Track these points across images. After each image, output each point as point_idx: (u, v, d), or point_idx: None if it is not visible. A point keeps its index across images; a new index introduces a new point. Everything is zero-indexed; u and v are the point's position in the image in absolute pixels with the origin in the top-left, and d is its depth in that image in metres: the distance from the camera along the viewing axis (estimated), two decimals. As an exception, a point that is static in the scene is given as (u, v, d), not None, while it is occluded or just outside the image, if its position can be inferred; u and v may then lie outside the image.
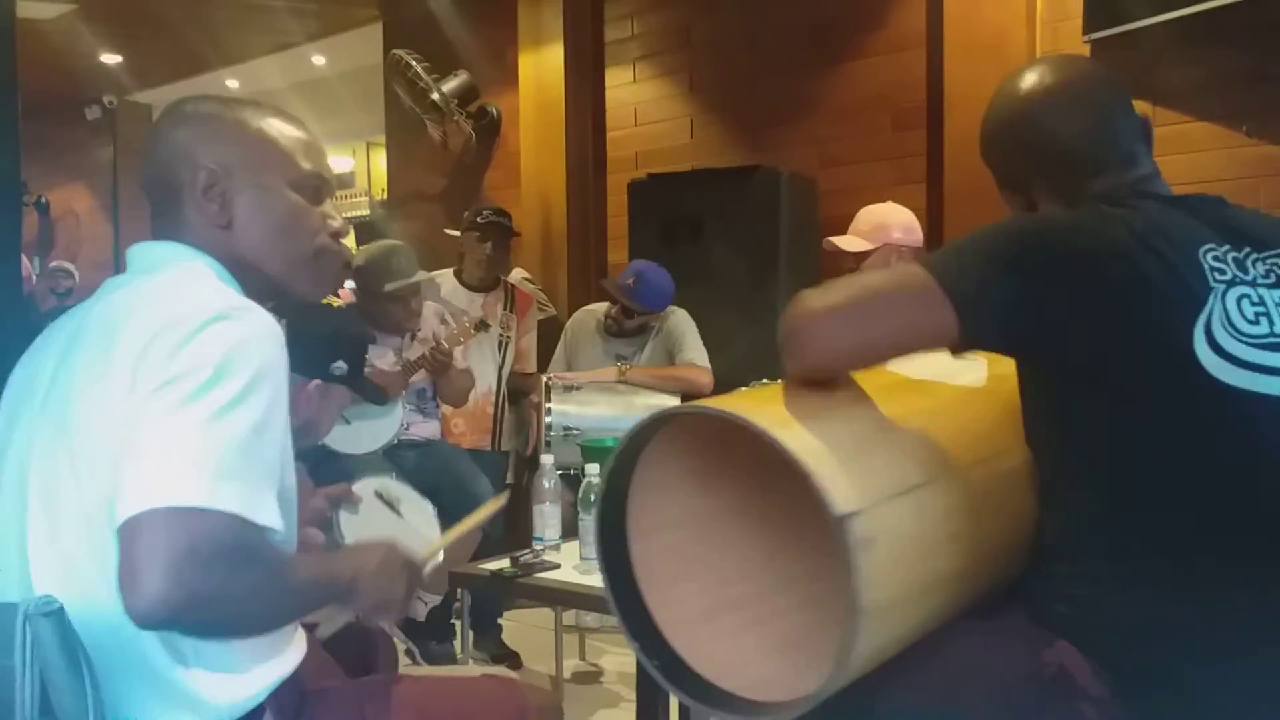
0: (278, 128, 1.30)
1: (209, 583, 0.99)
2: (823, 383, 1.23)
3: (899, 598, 1.13)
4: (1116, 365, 1.15)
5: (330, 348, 1.73)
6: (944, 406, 1.34)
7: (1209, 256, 1.18)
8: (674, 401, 3.04)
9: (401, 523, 1.68)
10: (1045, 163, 1.34)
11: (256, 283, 1.27)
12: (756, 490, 1.36)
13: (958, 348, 1.22)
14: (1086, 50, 3.40)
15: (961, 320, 1.15)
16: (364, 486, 1.65)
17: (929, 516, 1.17)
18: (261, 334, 1.12)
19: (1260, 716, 1.12)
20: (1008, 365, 1.31)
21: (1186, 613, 1.13)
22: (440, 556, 1.49)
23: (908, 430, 1.22)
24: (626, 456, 1.25)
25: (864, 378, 1.27)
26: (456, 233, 3.95)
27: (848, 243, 2.93)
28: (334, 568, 1.22)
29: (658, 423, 1.22)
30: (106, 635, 1.07)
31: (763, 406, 1.15)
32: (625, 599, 1.27)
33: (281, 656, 1.20)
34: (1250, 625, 1.12)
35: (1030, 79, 1.36)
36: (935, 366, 1.36)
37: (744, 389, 2.09)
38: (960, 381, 1.38)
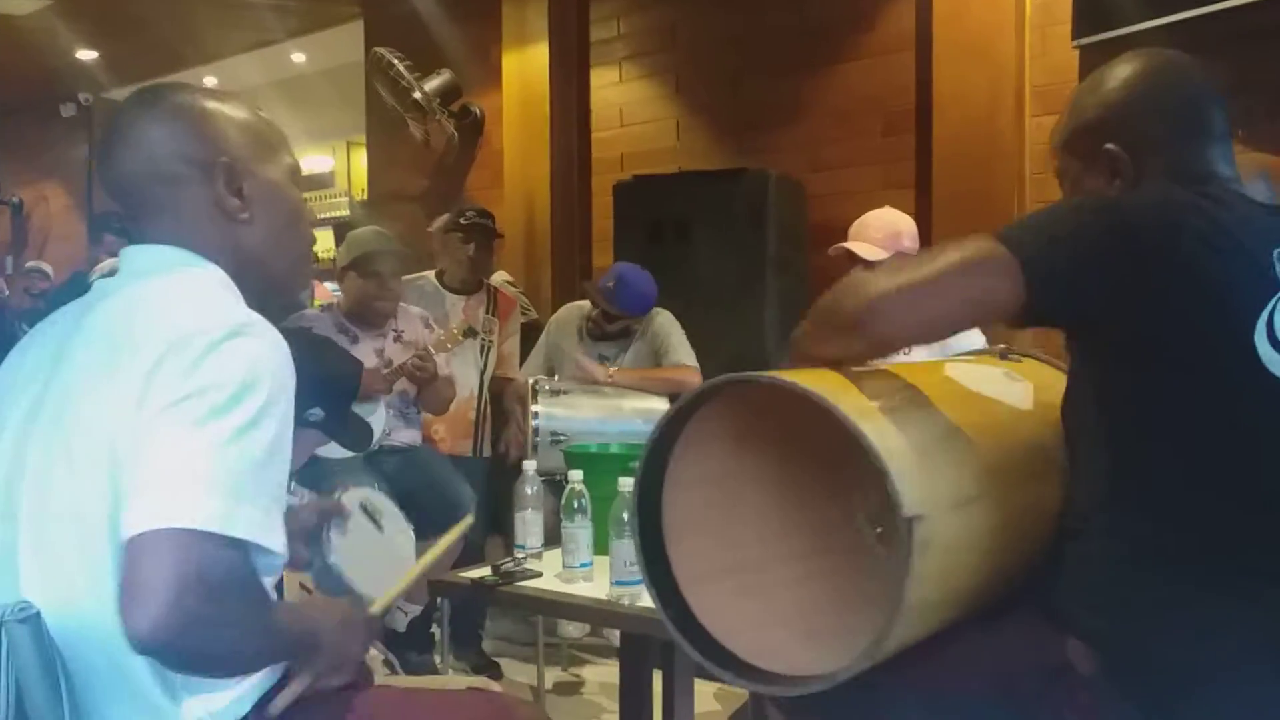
0: (265, 120, 1.29)
1: (209, 611, 0.98)
2: (880, 364, 1.27)
3: (932, 602, 1.16)
4: (1174, 348, 1.16)
5: (310, 391, 1.67)
6: (997, 424, 1.36)
7: None
8: (663, 403, 3.00)
9: (382, 538, 1.67)
10: (1177, 122, 1.32)
11: (256, 285, 1.24)
12: (779, 460, 1.40)
13: (1023, 321, 1.22)
14: (1075, 55, 3.40)
15: (1031, 291, 1.16)
16: (350, 498, 1.62)
17: (974, 531, 1.20)
18: (276, 351, 1.11)
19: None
20: (1051, 393, 1.35)
21: (1203, 605, 1.14)
22: (395, 595, 1.48)
23: (967, 442, 1.25)
24: (686, 409, 1.27)
25: (925, 380, 1.30)
26: (441, 222, 3.87)
27: (863, 250, 2.86)
28: (303, 619, 1.22)
29: (725, 385, 1.24)
30: (90, 645, 1.05)
31: (841, 392, 1.17)
32: (650, 549, 1.31)
33: (266, 672, 1.17)
34: (1259, 627, 1.13)
35: (1139, 57, 1.37)
36: (987, 383, 1.41)
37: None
38: (1010, 401, 1.41)
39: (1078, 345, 1.29)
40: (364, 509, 1.64)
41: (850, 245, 2.89)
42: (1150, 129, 1.32)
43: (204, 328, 1.06)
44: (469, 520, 1.85)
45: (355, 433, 3.04)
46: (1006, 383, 1.42)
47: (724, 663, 1.26)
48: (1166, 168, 1.30)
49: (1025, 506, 1.30)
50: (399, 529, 1.71)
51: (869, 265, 2.85)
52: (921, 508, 1.09)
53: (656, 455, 1.30)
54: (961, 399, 1.35)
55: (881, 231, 2.90)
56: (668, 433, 1.29)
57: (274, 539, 1.05)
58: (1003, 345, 1.65)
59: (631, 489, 1.32)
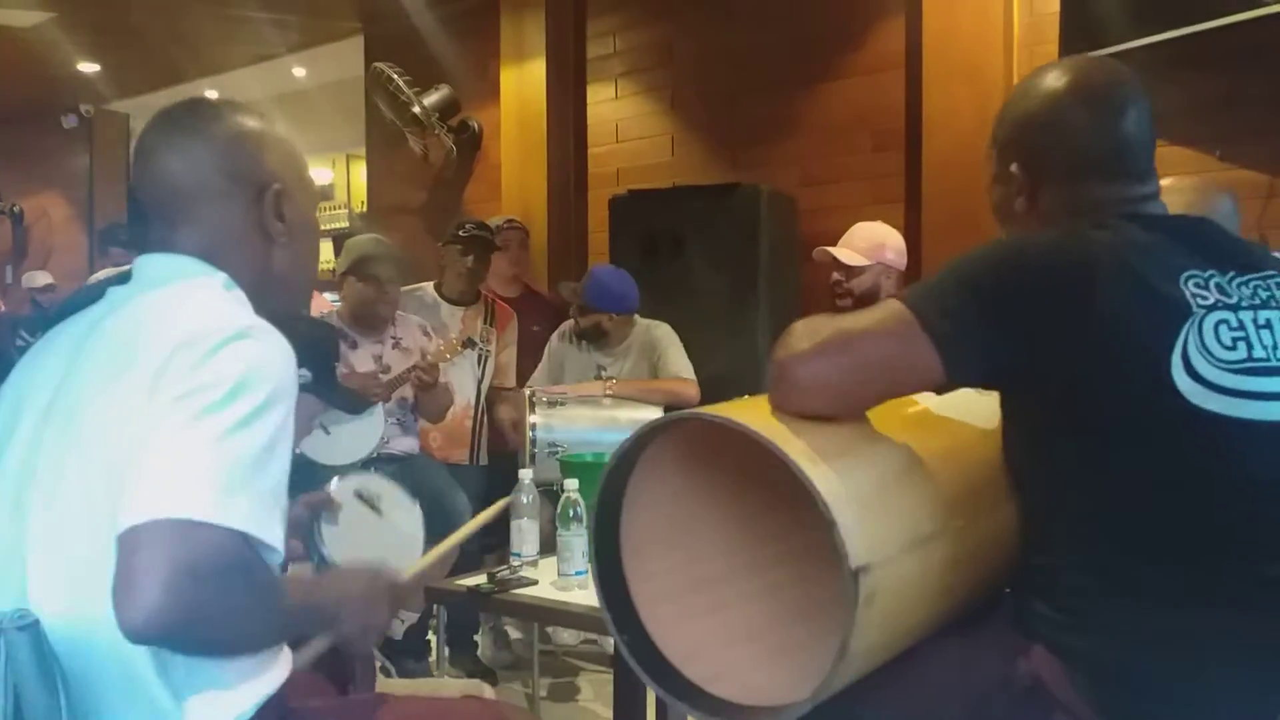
0: (296, 144, 1.33)
1: (206, 599, 0.97)
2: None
3: (878, 645, 1.14)
4: (1096, 394, 1.15)
5: (295, 352, 1.70)
6: (961, 447, 1.33)
7: (1190, 283, 1.18)
8: (659, 413, 3.03)
9: (382, 522, 1.65)
10: (1074, 158, 1.29)
11: (272, 301, 1.26)
12: (738, 471, 1.37)
13: (943, 388, 1.22)
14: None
15: (944, 360, 1.15)
16: (343, 489, 1.62)
17: (931, 569, 1.18)
18: (279, 355, 1.12)
19: None
20: None
21: (1163, 623, 1.14)
22: (426, 565, 1.48)
23: (926, 475, 1.22)
24: (644, 436, 1.25)
25: (887, 406, 1.25)
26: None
27: (845, 255, 2.94)
28: (320, 594, 1.21)
29: (681, 420, 1.23)
30: (97, 647, 1.05)
31: (792, 434, 1.13)
32: (608, 573, 1.29)
33: (268, 674, 1.18)
34: (1227, 640, 1.14)
35: (1067, 73, 1.32)
36: (954, 402, 1.35)
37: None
38: (976, 418, 1.37)
39: (1002, 399, 1.28)
40: (359, 496, 1.63)
41: (834, 250, 2.95)
42: (1051, 159, 1.30)
43: (210, 330, 1.08)
44: (503, 504, 1.84)
45: (346, 394, 3.07)
46: (973, 398, 1.36)
47: (678, 690, 1.24)
48: (1068, 198, 1.29)
49: (989, 534, 1.28)
50: (402, 508, 1.70)
51: (849, 270, 2.92)
52: (870, 555, 1.06)
53: (614, 481, 1.28)
54: (926, 424, 1.32)
55: (867, 241, 2.95)
56: (625, 460, 1.27)
57: (270, 534, 1.04)
58: None
59: (589, 512, 1.30)
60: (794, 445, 1.10)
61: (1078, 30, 3.34)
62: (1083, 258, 1.17)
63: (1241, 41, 3.03)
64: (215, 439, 1.02)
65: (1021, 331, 1.15)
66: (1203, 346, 1.15)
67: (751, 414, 1.17)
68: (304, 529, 1.54)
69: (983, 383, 1.25)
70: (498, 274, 4.03)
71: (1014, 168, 1.33)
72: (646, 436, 1.25)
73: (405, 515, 1.70)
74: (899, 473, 1.20)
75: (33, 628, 1.01)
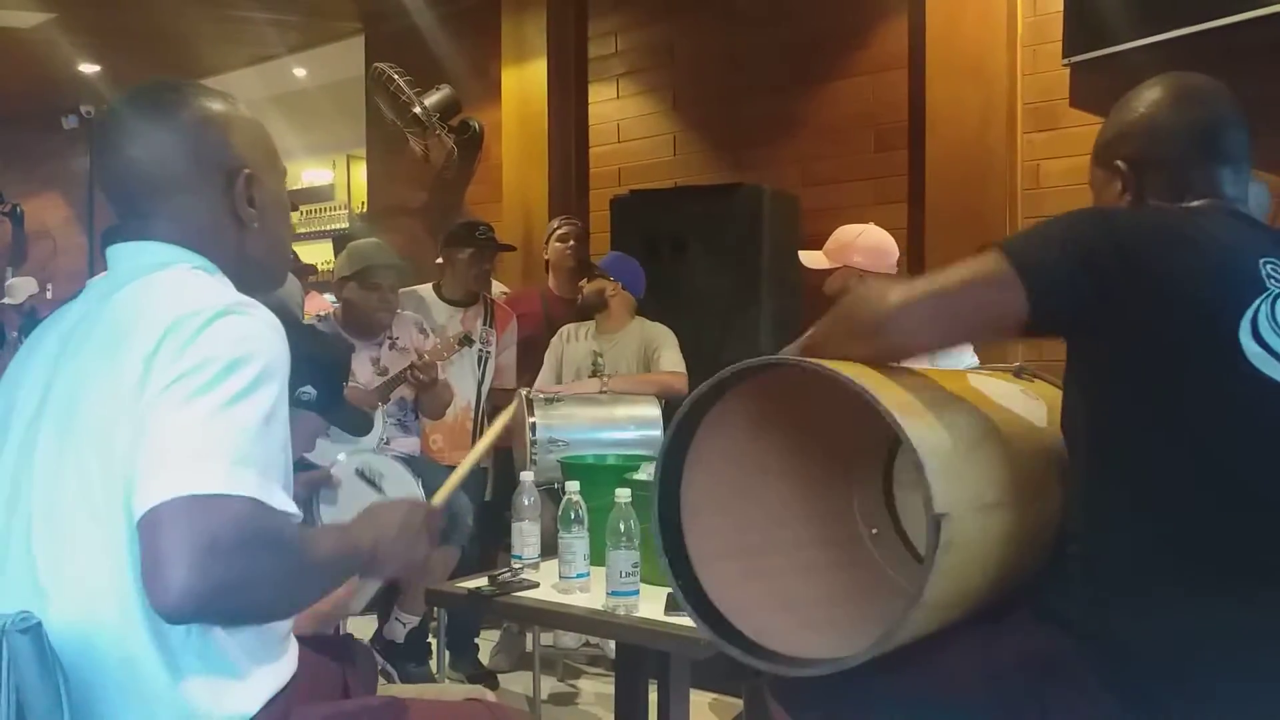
0: (263, 125, 1.32)
1: (234, 570, 0.97)
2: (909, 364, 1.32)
3: (944, 602, 1.19)
4: (1164, 346, 1.20)
5: (300, 371, 1.70)
6: (1018, 434, 1.40)
7: (1268, 266, 1.24)
8: (654, 408, 3.06)
9: (385, 500, 1.67)
10: (1195, 141, 1.39)
11: (249, 283, 1.26)
12: (792, 449, 1.44)
13: (1028, 329, 1.27)
14: (1066, 73, 3.45)
15: (1031, 299, 1.21)
16: (345, 466, 1.64)
17: (990, 537, 1.24)
18: (268, 328, 1.12)
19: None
20: (1059, 414, 1.38)
21: (1190, 602, 1.16)
22: (452, 487, 1.50)
23: (994, 447, 1.30)
24: (725, 382, 1.30)
25: (956, 386, 1.35)
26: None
27: (809, 259, 3.01)
28: (354, 538, 1.21)
29: (756, 369, 1.28)
30: (101, 639, 1.05)
31: (882, 386, 1.20)
32: (668, 523, 1.35)
33: (276, 664, 1.18)
34: (1263, 619, 1.15)
35: (1172, 82, 1.44)
36: (1008, 396, 1.45)
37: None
38: (1029, 415, 1.45)
39: (1073, 352, 1.32)
40: (361, 474, 1.64)
41: (801, 254, 3.03)
42: (1154, 150, 1.40)
43: (198, 308, 1.08)
44: (516, 403, 1.84)
45: (352, 415, 3.07)
46: (1024, 399, 1.47)
47: (730, 639, 1.30)
48: (1168, 186, 1.37)
49: (1036, 518, 1.33)
50: (405, 486, 1.71)
51: (816, 274, 2.98)
52: (950, 507, 1.13)
53: (683, 432, 1.34)
54: (992, 407, 1.39)
55: (834, 243, 3.00)
56: (695, 409, 1.33)
57: (276, 499, 1.05)
58: (1018, 364, 1.69)
59: (652, 473, 1.36)
60: (887, 397, 1.17)
61: (1080, 30, 3.34)
62: (1171, 224, 1.27)
63: (1244, 41, 3.02)
64: (214, 412, 1.02)
65: (1102, 285, 1.21)
66: (1273, 319, 1.20)
67: (841, 367, 1.21)
68: (302, 508, 1.54)
69: (1063, 329, 1.30)
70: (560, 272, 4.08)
71: (1120, 163, 1.43)
72: (728, 382, 1.29)
73: (408, 493, 1.70)
74: (973, 440, 1.28)
75: (35, 630, 1.01)
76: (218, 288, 1.18)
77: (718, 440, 1.36)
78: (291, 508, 1.08)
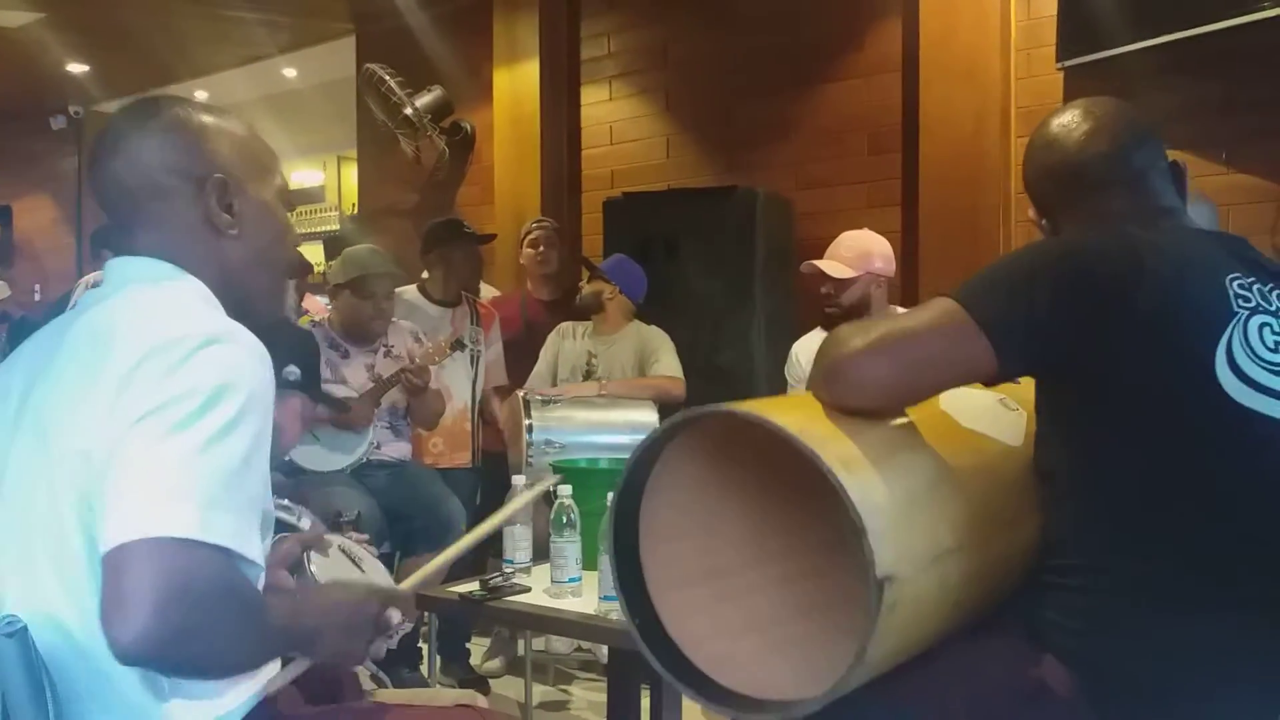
0: (259, 138, 1.30)
1: (195, 620, 0.96)
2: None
3: (891, 653, 1.16)
4: (1139, 381, 1.18)
5: (280, 355, 1.68)
6: (985, 466, 1.35)
7: (1234, 284, 1.21)
8: (649, 412, 3.05)
9: (364, 578, 1.66)
10: (1062, 181, 1.39)
11: (236, 299, 1.24)
12: (760, 460, 1.39)
13: (996, 379, 1.25)
14: (1060, 77, 3.45)
15: (997, 352, 1.19)
16: (329, 539, 1.64)
17: (947, 584, 1.20)
18: (254, 358, 1.10)
19: None
20: None
21: (1178, 629, 1.15)
22: (422, 578, 1.47)
23: (951, 490, 1.24)
24: (675, 427, 1.26)
25: (919, 415, 1.28)
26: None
27: (832, 268, 2.92)
28: (302, 616, 1.17)
29: (713, 415, 1.24)
30: (72, 655, 1.04)
31: (830, 439, 1.14)
32: (624, 558, 1.30)
33: (254, 678, 1.17)
34: (1242, 648, 1.14)
35: (1059, 115, 1.43)
36: (982, 417, 1.39)
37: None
38: (1003, 434, 1.40)
39: (1044, 389, 1.30)
40: (343, 550, 1.66)
41: (820, 263, 2.94)
42: (1067, 193, 1.39)
43: (181, 335, 1.06)
44: (542, 488, 1.83)
45: (336, 401, 3.06)
46: (1001, 413, 1.41)
47: (686, 676, 1.26)
48: (1080, 216, 1.36)
49: (1002, 553, 1.29)
50: (379, 574, 1.73)
51: (838, 283, 2.90)
52: (895, 566, 1.08)
53: (639, 469, 1.30)
54: (955, 438, 1.33)
55: (852, 251, 2.95)
56: (650, 451, 1.29)
57: (250, 548, 1.03)
58: None
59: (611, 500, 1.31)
60: (829, 451, 1.11)
61: (1075, 33, 3.34)
62: (1130, 252, 1.22)
63: (1239, 45, 3.02)
64: (195, 451, 1.00)
65: (1071, 325, 1.18)
66: (1246, 345, 1.18)
67: (788, 415, 1.18)
68: (294, 566, 1.52)
69: (1036, 373, 1.28)
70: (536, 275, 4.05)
71: (1030, 212, 1.46)
72: (678, 427, 1.26)
73: (380, 577, 1.71)
74: (927, 486, 1.22)
75: (20, 635, 1.00)
76: (204, 310, 1.16)
77: (677, 468, 1.32)
78: (259, 557, 1.05)
